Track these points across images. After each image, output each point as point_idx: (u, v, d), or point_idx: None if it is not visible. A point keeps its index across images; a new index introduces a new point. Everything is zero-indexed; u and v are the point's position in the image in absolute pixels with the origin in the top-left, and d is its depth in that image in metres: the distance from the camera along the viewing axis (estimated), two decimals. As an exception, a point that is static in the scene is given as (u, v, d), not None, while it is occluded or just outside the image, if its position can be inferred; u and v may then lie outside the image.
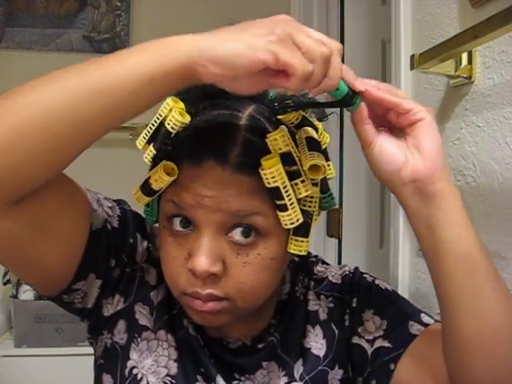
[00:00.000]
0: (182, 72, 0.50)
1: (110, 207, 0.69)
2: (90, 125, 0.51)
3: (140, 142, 0.64)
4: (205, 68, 0.49)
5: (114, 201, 0.71)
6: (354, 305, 0.72)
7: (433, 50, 0.80)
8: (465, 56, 0.82)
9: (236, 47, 0.48)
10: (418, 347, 0.65)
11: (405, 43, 1.03)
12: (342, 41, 1.77)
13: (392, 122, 0.59)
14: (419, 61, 0.83)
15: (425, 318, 0.69)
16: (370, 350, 0.69)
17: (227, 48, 0.48)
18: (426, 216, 0.57)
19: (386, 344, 0.67)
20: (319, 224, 1.77)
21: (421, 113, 0.57)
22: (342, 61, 0.54)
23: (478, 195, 0.81)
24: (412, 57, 0.84)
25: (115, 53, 0.52)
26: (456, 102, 0.87)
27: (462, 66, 0.82)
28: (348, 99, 0.57)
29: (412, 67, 0.85)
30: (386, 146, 0.59)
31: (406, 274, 1.03)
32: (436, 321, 0.68)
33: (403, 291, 1.02)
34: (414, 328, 0.67)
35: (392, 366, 0.66)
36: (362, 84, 0.57)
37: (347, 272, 0.76)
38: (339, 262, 1.76)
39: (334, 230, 1.73)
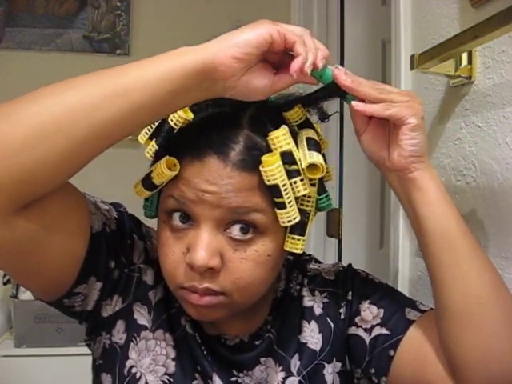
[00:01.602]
0: (200, 69, 0.54)
1: (106, 210, 0.69)
2: (107, 128, 0.53)
3: (142, 137, 0.66)
4: (224, 53, 0.54)
5: (110, 204, 0.72)
6: (350, 298, 0.74)
7: (433, 50, 0.80)
8: (465, 56, 0.82)
9: (246, 32, 0.55)
10: (417, 331, 0.67)
11: (405, 43, 1.03)
12: (341, 41, 1.77)
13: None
14: (419, 61, 0.83)
15: (421, 306, 0.71)
16: (368, 339, 0.70)
17: (240, 35, 0.55)
18: (408, 197, 0.63)
19: (384, 331, 0.69)
20: (319, 224, 1.77)
21: (409, 119, 0.61)
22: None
23: (478, 195, 0.81)
24: (412, 57, 0.84)
25: (132, 63, 0.55)
26: (456, 102, 0.87)
27: (462, 66, 0.82)
28: (336, 86, 0.61)
29: (412, 67, 0.85)
30: (373, 138, 0.64)
31: (406, 274, 1.03)
32: (431, 308, 0.69)
33: (403, 291, 1.01)
34: (411, 314, 0.69)
35: (392, 353, 0.67)
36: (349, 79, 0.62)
37: (341, 268, 0.78)
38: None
39: (334, 230, 1.73)
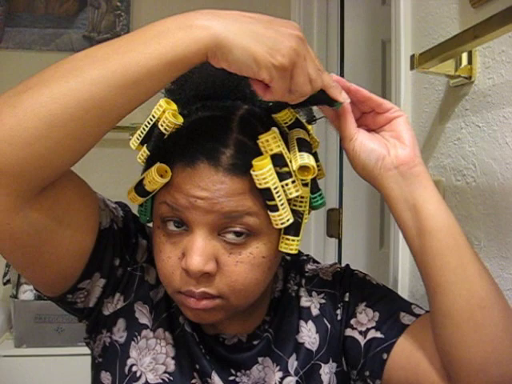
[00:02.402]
0: (199, 57, 0.52)
1: (114, 208, 0.70)
2: (115, 111, 0.53)
3: (134, 142, 0.65)
4: (216, 60, 0.53)
5: (115, 203, 0.72)
6: (347, 299, 0.74)
7: (433, 50, 0.80)
8: (465, 56, 0.82)
9: (246, 58, 0.52)
10: (411, 336, 0.67)
11: (405, 43, 1.03)
12: (341, 41, 1.77)
13: (367, 123, 0.66)
14: (419, 61, 0.83)
15: (416, 309, 0.71)
16: (362, 342, 0.70)
17: (239, 55, 0.52)
18: (410, 195, 0.63)
19: (379, 335, 0.69)
20: (319, 224, 1.77)
21: (398, 111, 0.65)
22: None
23: (478, 195, 0.81)
24: (412, 57, 0.84)
25: (133, 36, 0.55)
26: (456, 102, 0.87)
27: (462, 66, 0.82)
28: (323, 96, 0.61)
29: (412, 67, 0.85)
30: (366, 140, 0.64)
31: (406, 274, 1.03)
32: (427, 311, 0.69)
33: (403, 291, 1.02)
34: (406, 318, 0.69)
35: (385, 356, 0.67)
36: (343, 94, 0.63)
37: (338, 269, 0.78)
38: (339, 262, 1.76)
39: (333, 230, 1.73)
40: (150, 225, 0.73)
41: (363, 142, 0.64)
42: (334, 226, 1.73)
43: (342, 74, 1.76)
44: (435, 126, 0.93)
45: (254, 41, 0.51)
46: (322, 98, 0.62)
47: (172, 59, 0.51)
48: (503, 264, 0.75)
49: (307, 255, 0.82)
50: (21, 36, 2.01)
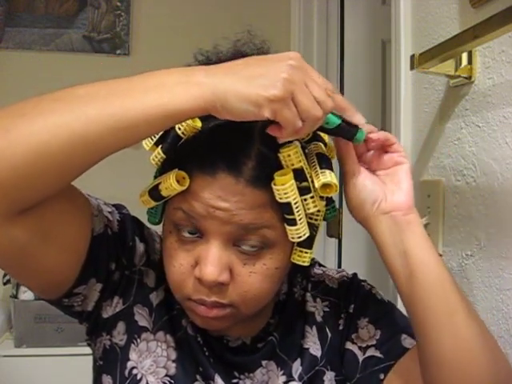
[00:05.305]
0: (197, 111, 0.53)
1: (109, 212, 0.69)
2: (105, 149, 0.53)
3: (147, 142, 0.64)
4: (217, 111, 0.53)
5: (113, 205, 0.71)
6: (351, 310, 0.74)
7: (433, 50, 0.80)
8: (465, 56, 0.82)
9: (242, 103, 0.51)
10: (409, 361, 0.67)
11: (405, 43, 1.03)
12: (341, 41, 1.77)
13: (369, 161, 0.65)
14: (419, 61, 0.83)
15: None
16: (361, 357, 0.70)
17: (238, 103, 0.51)
18: (400, 241, 0.63)
19: (378, 354, 0.69)
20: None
21: (404, 158, 0.65)
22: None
23: (478, 195, 0.81)
24: (412, 57, 0.84)
25: (130, 81, 0.54)
26: (456, 102, 0.87)
27: (462, 66, 0.82)
28: (343, 131, 0.60)
29: (412, 67, 0.85)
30: (367, 179, 0.64)
31: (406, 274, 1.03)
32: None
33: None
34: (407, 341, 0.69)
35: (382, 376, 0.68)
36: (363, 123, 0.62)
37: (345, 278, 0.78)
38: (339, 262, 1.76)
39: (334, 230, 1.73)
40: (154, 227, 0.73)
41: (365, 180, 0.63)
42: (334, 225, 1.73)
43: (342, 74, 1.76)
44: (435, 126, 0.93)
45: (245, 85, 0.51)
46: (340, 131, 0.60)
47: (171, 110, 0.52)
48: (503, 264, 0.75)
49: (313, 258, 0.81)
50: (21, 36, 2.01)
